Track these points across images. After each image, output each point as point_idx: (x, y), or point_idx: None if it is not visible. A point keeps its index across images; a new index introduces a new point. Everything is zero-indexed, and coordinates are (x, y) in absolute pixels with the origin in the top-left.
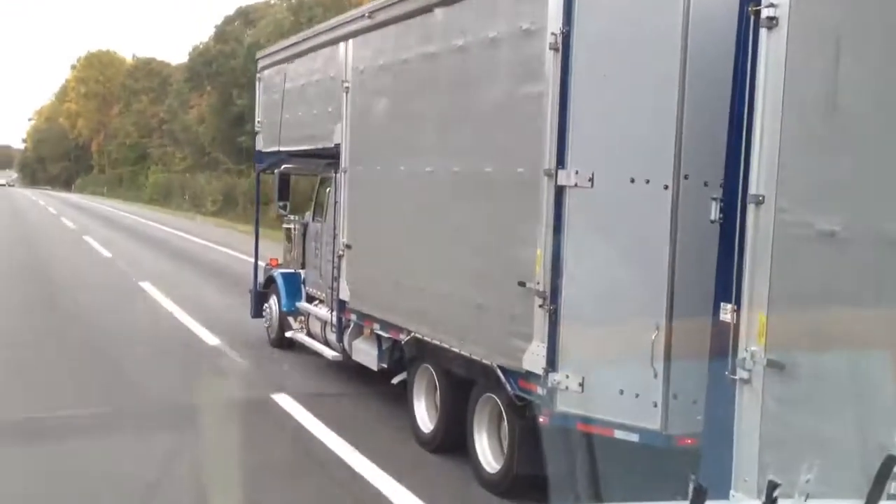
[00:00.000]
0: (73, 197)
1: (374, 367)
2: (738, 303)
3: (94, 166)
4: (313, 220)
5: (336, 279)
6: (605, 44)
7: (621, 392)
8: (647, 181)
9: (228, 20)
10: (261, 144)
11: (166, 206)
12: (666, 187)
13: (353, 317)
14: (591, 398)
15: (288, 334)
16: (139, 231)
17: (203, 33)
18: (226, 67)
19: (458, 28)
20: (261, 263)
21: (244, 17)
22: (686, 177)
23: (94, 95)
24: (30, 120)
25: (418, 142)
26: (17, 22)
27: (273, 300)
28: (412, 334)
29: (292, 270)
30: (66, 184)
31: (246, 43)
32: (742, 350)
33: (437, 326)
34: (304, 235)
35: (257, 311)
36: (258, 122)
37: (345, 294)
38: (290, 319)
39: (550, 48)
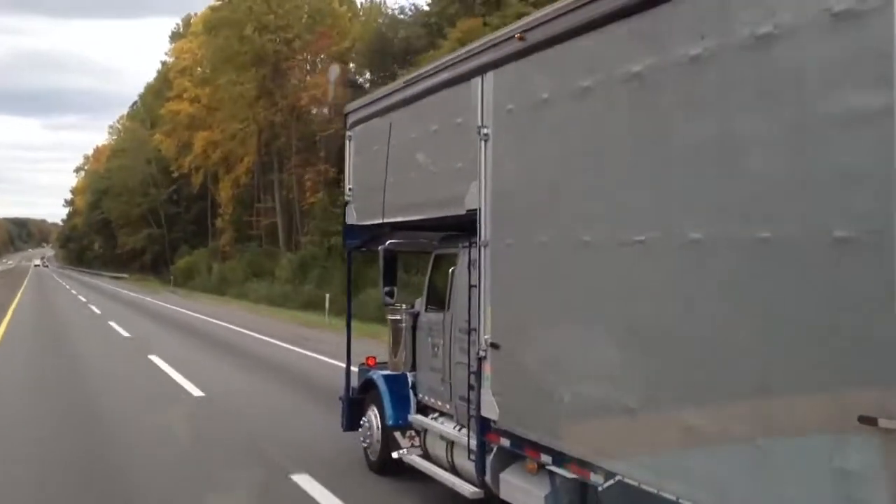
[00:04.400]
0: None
1: None
2: None
3: (222, 231)
4: (427, 308)
5: (474, 389)
6: None
7: None
8: None
9: None
10: (353, 217)
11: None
12: None
13: (505, 441)
14: None
15: (396, 455)
16: None
17: None
18: None
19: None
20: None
21: None
22: None
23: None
24: (69, 198)
25: (633, 199)
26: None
27: (373, 411)
28: (617, 478)
29: (396, 373)
30: (151, 266)
31: None
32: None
33: (679, 474)
34: (413, 329)
35: (351, 423)
36: (349, 189)
37: (490, 410)
38: (398, 436)
39: None
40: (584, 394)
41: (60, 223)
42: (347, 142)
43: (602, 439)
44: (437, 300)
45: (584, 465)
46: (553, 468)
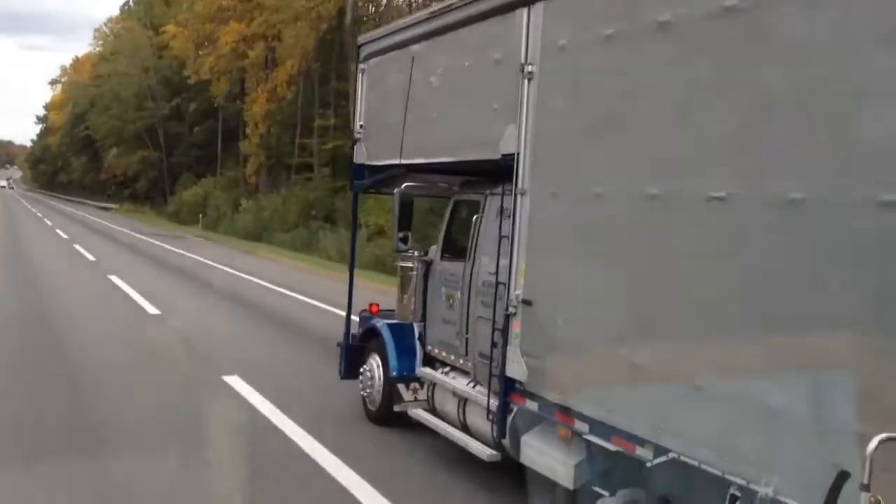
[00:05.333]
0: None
1: (569, 484)
2: None
3: (246, 158)
4: (442, 257)
5: (498, 346)
6: None
7: None
8: None
9: None
10: (363, 156)
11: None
12: None
13: (532, 405)
14: None
15: (398, 408)
16: None
17: None
18: None
19: None
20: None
21: None
22: None
23: None
24: (41, 115)
25: (715, 150)
26: None
27: (374, 360)
28: (671, 455)
29: (400, 322)
30: (145, 196)
31: None
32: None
33: (754, 458)
34: (425, 278)
35: (349, 371)
36: (359, 127)
37: (516, 370)
38: (402, 388)
39: None
40: (637, 363)
41: (30, 144)
42: (360, 75)
43: (655, 412)
44: (455, 249)
45: (630, 437)
46: (590, 437)
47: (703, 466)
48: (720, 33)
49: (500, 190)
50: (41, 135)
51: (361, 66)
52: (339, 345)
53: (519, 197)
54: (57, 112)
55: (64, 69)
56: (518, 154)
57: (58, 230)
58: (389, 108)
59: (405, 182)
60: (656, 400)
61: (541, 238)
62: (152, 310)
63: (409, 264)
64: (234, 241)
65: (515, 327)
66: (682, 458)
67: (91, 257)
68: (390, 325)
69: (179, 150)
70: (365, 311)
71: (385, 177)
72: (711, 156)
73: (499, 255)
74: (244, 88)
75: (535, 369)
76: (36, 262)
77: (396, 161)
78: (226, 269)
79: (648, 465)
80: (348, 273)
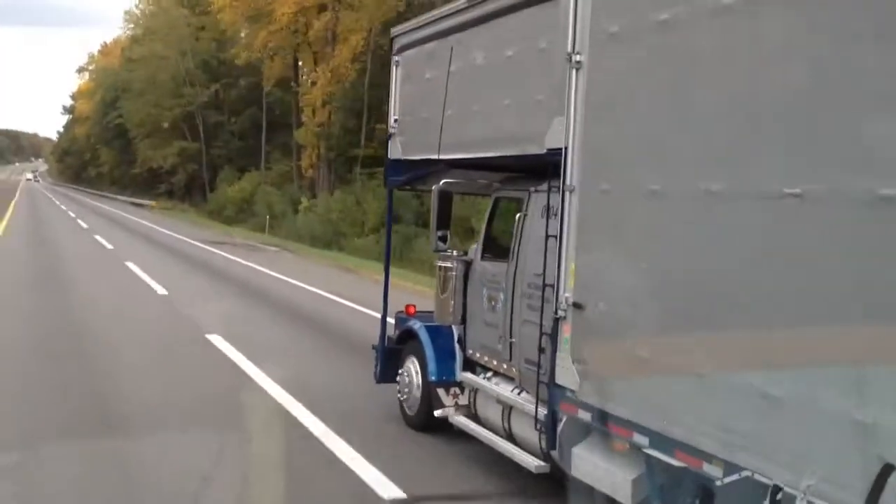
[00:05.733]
0: None
1: (627, 501)
2: None
3: (300, 149)
4: (483, 257)
5: (546, 352)
6: None
7: None
8: None
9: None
10: (398, 151)
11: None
12: None
13: (584, 414)
14: None
15: (438, 413)
16: None
17: None
18: None
19: None
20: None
21: None
22: None
23: None
24: (67, 105)
25: (788, 143)
26: None
27: (412, 364)
28: (744, 473)
29: (439, 324)
30: (185, 192)
31: None
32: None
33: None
34: (465, 278)
35: (385, 374)
36: (394, 121)
37: (567, 378)
38: (441, 392)
39: None
40: (701, 372)
41: (56, 136)
42: (394, 67)
43: (724, 426)
44: (497, 248)
45: (696, 452)
46: (650, 451)
47: (788, 489)
48: (790, 14)
49: (545, 186)
50: (68, 126)
51: (396, 58)
52: (373, 347)
53: (567, 194)
54: (84, 101)
55: (91, 56)
56: (566, 148)
57: (98, 236)
58: (426, 102)
59: (443, 178)
60: (725, 412)
61: (592, 237)
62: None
63: (448, 264)
64: (310, 249)
65: (565, 332)
66: (757, 476)
67: (159, 288)
68: (428, 328)
69: (219, 140)
70: (401, 312)
71: (422, 173)
72: (782, 149)
73: (546, 255)
74: (298, 70)
75: (588, 377)
76: (82, 293)
77: (434, 156)
78: (351, 304)
79: (718, 483)
80: (384, 272)
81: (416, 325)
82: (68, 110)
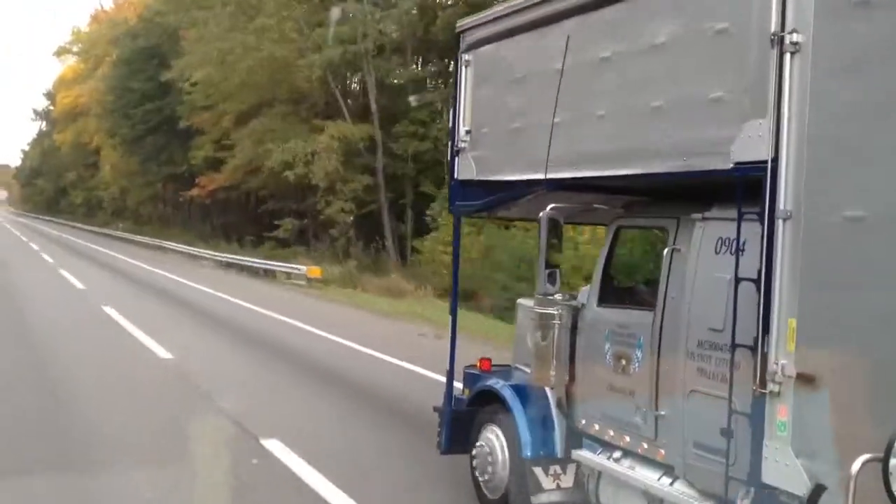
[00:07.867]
0: None
1: None
2: None
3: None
4: (601, 302)
5: (735, 437)
6: None
7: None
8: None
9: None
10: (471, 171)
11: None
12: None
13: None
14: None
15: (538, 500)
16: None
17: None
18: None
19: None
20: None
21: None
22: None
23: None
24: (38, 109)
25: None
26: None
27: (493, 433)
28: None
29: (531, 384)
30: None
31: None
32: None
33: None
34: (573, 329)
35: (452, 443)
36: (464, 132)
37: (785, 478)
38: (540, 472)
39: None
40: None
41: (20, 156)
42: (463, 68)
43: None
44: (625, 292)
45: None
46: None
47: None
48: None
49: (722, 212)
50: (39, 137)
51: (465, 57)
52: (435, 409)
53: (780, 222)
54: (69, 90)
55: (77, 30)
56: (775, 161)
57: None
58: (517, 108)
59: (548, 203)
60: None
61: (826, 281)
62: None
63: (551, 311)
64: None
65: (781, 414)
66: None
67: None
68: (517, 388)
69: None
70: (471, 366)
71: (505, 197)
72: None
73: (735, 306)
74: None
75: (824, 478)
76: None
77: (537, 175)
78: None
79: None
80: (450, 321)
81: (499, 384)
82: (39, 115)
